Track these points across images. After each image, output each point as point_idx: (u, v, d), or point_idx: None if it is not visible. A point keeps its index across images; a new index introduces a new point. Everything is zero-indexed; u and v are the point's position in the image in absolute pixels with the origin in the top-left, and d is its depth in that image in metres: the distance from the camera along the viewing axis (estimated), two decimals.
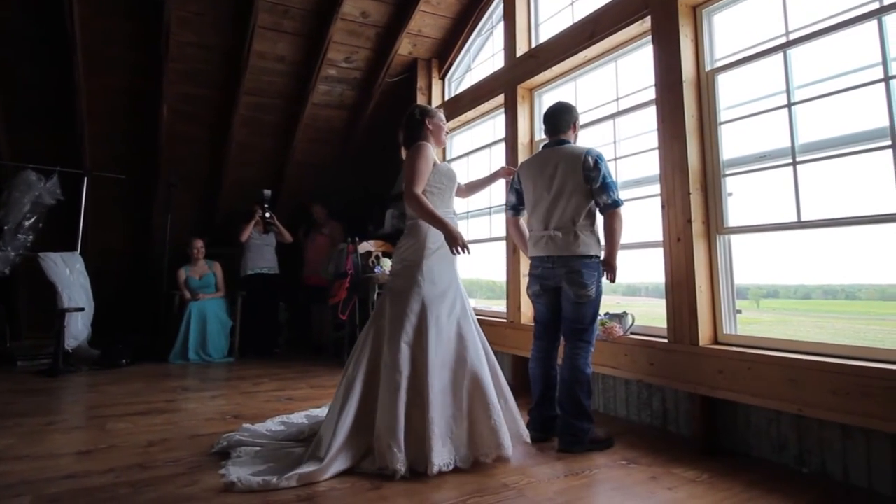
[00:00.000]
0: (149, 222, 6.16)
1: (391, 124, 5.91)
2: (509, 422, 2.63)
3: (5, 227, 5.09)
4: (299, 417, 3.14)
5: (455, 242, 2.60)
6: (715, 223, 2.93)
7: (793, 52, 2.73)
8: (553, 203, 2.83)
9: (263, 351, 5.98)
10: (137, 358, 5.36)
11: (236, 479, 2.21)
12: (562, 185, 2.81)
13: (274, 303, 6.25)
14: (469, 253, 2.62)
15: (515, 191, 3.11)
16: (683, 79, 3.01)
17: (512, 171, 3.19)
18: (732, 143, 2.95)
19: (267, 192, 5.99)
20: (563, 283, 2.79)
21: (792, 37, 2.73)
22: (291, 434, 2.81)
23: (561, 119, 2.96)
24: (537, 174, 2.92)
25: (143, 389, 4.13)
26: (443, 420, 2.44)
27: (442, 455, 2.38)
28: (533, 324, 3.09)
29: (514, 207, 3.14)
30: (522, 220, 3.18)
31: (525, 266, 3.85)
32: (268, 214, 6.04)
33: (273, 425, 2.97)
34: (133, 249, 6.35)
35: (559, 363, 2.88)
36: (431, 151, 2.77)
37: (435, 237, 2.72)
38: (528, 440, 2.77)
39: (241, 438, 2.70)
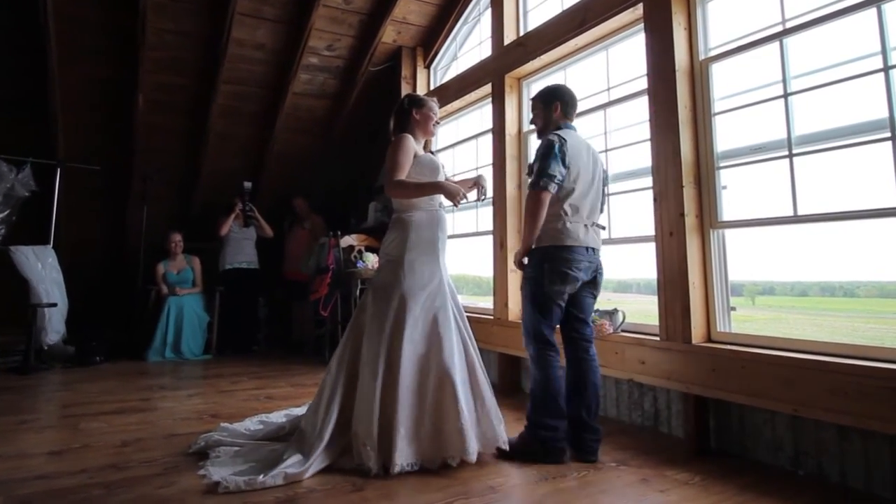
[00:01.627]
0: (124, 215, 5.99)
1: (374, 114, 5.85)
2: (486, 426, 2.51)
3: None
4: (278, 416, 3.08)
5: (456, 197, 2.60)
6: (709, 217, 2.87)
7: (789, 41, 2.67)
8: (598, 191, 2.76)
9: (242, 348, 5.86)
10: (112, 355, 5.24)
11: (220, 479, 2.17)
12: (600, 175, 2.78)
13: (253, 298, 6.13)
14: (467, 199, 2.71)
15: (567, 167, 2.65)
16: (676, 68, 2.94)
17: (482, 182, 2.93)
18: (727, 134, 2.90)
19: (247, 185, 5.86)
20: (595, 277, 2.71)
21: (788, 25, 2.67)
22: (270, 433, 2.76)
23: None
24: (585, 159, 2.70)
25: (118, 388, 4.06)
26: (410, 419, 2.39)
27: (406, 455, 2.34)
28: (522, 322, 2.92)
29: (561, 183, 2.64)
30: None
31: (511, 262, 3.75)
32: (248, 207, 5.90)
33: (252, 424, 2.94)
34: (108, 243, 6.18)
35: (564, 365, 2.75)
36: (412, 143, 2.71)
37: (418, 231, 2.67)
38: (506, 447, 2.56)
39: (219, 438, 2.65)
